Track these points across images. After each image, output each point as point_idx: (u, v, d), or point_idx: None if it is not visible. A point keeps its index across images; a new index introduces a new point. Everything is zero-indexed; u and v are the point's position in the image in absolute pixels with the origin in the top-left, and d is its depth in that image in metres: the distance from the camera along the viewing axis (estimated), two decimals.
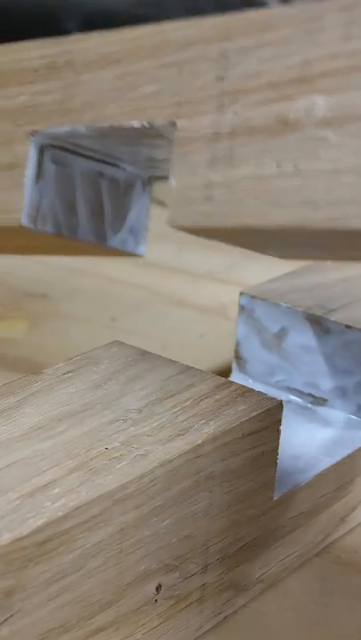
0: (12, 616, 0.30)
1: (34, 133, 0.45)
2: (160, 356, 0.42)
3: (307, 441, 0.45)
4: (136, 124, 0.41)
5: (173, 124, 0.40)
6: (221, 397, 0.39)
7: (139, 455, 0.34)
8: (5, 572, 0.30)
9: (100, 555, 0.33)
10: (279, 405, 0.39)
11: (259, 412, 0.38)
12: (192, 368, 0.41)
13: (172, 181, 0.40)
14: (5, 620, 0.30)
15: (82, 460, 0.34)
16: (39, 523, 0.31)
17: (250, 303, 0.49)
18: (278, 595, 0.41)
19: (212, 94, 0.39)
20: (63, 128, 0.44)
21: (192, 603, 0.38)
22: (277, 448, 0.39)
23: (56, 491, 0.32)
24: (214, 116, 0.39)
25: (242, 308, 0.50)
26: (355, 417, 0.47)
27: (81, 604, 0.33)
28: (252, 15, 0.38)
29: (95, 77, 0.43)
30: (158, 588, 0.36)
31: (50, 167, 0.46)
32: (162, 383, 0.40)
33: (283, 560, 0.42)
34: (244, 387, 0.39)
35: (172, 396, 0.39)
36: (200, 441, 0.36)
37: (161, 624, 0.36)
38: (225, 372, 0.50)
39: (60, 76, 0.44)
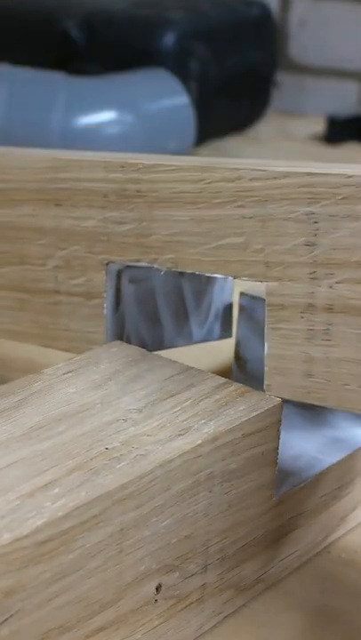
0: (11, 616, 0.30)
1: (110, 263, 0.44)
2: (160, 356, 0.42)
3: (307, 441, 0.45)
4: (220, 276, 0.41)
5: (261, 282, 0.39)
6: (221, 397, 0.39)
7: (139, 455, 0.34)
8: (5, 571, 0.30)
9: (100, 555, 0.33)
10: (279, 405, 0.39)
11: (259, 412, 0.38)
12: (192, 368, 0.41)
13: (267, 346, 0.39)
14: (5, 619, 0.30)
15: (82, 460, 0.34)
16: (39, 523, 0.30)
17: (250, 303, 0.49)
18: (278, 595, 0.41)
19: (304, 262, 0.38)
20: (141, 263, 0.43)
21: (192, 603, 0.38)
22: (277, 448, 0.39)
23: (56, 491, 0.32)
24: (307, 286, 0.38)
25: (242, 308, 0.50)
26: (355, 417, 0.47)
27: (81, 604, 0.33)
28: (337, 180, 0.36)
29: (171, 216, 0.41)
30: (158, 588, 0.36)
31: (129, 289, 0.45)
32: (162, 383, 0.40)
33: (283, 560, 0.42)
34: (244, 387, 0.40)
35: (172, 396, 0.39)
36: (200, 441, 0.36)
37: (161, 624, 0.36)
38: (225, 372, 0.50)
39: (131, 207, 0.43)
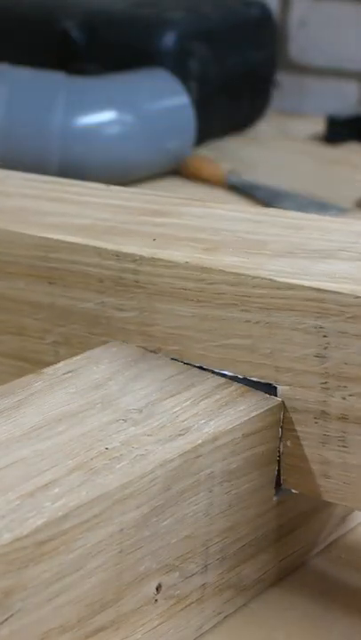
0: (12, 616, 0.30)
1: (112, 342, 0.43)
2: (160, 356, 0.42)
3: None
4: (229, 373, 0.40)
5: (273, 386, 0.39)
6: (221, 397, 0.39)
7: (139, 455, 0.34)
8: (5, 571, 0.30)
9: (100, 555, 0.33)
10: (279, 405, 0.39)
11: (259, 412, 0.38)
12: (192, 368, 0.41)
13: (282, 444, 0.39)
14: (5, 619, 0.30)
15: (82, 460, 0.34)
16: (39, 522, 0.30)
17: None
18: (278, 595, 0.41)
19: (315, 371, 0.37)
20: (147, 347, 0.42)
21: (192, 602, 0.38)
22: (277, 448, 0.39)
23: (56, 491, 0.32)
24: (320, 394, 0.37)
25: None
26: None
27: (81, 604, 0.33)
28: (345, 299, 0.36)
29: (173, 309, 0.41)
30: (158, 588, 0.36)
31: None
32: (162, 383, 0.40)
33: (283, 560, 0.42)
34: (244, 387, 0.39)
35: (172, 396, 0.39)
36: (200, 441, 0.36)
37: (161, 624, 0.36)
38: None
39: (131, 296, 0.42)
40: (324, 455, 0.38)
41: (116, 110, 0.88)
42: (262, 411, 0.38)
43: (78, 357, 0.42)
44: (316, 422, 0.38)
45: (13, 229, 0.46)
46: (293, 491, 0.40)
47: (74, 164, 0.85)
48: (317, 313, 0.37)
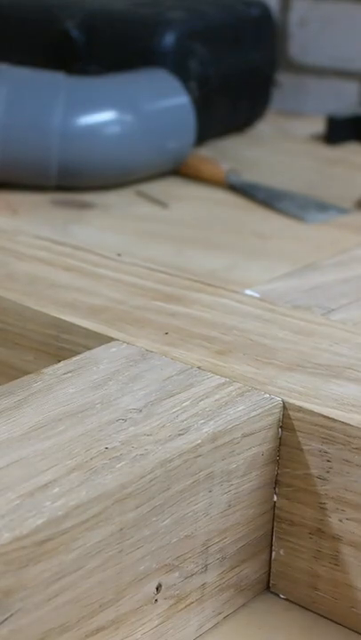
0: (12, 615, 0.30)
1: None
2: (160, 356, 0.42)
3: None
4: None
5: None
6: (221, 397, 0.39)
7: (138, 455, 0.34)
8: (5, 571, 0.30)
9: (99, 554, 0.33)
10: (279, 405, 0.39)
11: (258, 411, 0.38)
12: (192, 368, 0.41)
13: (275, 552, 0.40)
14: (5, 619, 0.30)
15: (82, 460, 0.34)
16: (39, 522, 0.31)
17: None
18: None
19: (314, 491, 0.38)
20: None
21: (192, 602, 0.38)
22: (277, 448, 0.39)
23: (56, 490, 0.32)
24: (317, 513, 0.38)
25: None
26: None
27: (81, 604, 0.33)
28: (352, 431, 0.37)
29: None
30: (158, 588, 0.36)
31: None
32: (162, 383, 0.40)
33: None
34: (244, 387, 0.40)
35: (171, 396, 0.39)
36: (199, 441, 0.36)
37: (161, 624, 0.36)
38: None
39: None
40: (315, 569, 0.39)
41: (116, 110, 0.88)
42: (262, 411, 0.38)
43: (78, 357, 0.42)
44: (310, 537, 0.39)
45: (27, 304, 0.46)
46: (281, 596, 0.40)
47: (74, 164, 0.85)
48: (324, 438, 0.38)
